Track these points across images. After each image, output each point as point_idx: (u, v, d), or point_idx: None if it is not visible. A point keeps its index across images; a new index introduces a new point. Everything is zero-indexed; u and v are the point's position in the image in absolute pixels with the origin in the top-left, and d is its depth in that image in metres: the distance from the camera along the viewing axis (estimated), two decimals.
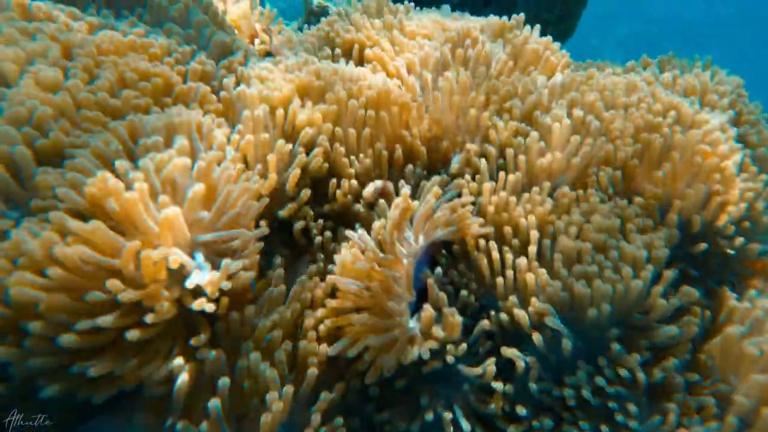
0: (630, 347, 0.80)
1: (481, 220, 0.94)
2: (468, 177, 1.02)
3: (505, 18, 1.27)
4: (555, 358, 0.84)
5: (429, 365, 0.80)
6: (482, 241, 0.92)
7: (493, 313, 0.90)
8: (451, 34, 1.18)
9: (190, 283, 0.68)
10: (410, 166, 1.00)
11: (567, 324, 0.82)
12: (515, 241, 0.90)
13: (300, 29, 2.07)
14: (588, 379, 0.79)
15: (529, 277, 0.84)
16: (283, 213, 0.91)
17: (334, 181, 0.95)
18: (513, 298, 0.86)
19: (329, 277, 0.84)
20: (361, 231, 0.85)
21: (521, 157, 0.98)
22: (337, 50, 1.27)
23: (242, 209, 0.76)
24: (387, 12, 1.33)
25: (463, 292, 0.91)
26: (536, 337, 0.81)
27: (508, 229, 0.91)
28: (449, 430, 0.79)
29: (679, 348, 0.82)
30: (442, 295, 0.84)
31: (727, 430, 0.74)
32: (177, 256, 0.66)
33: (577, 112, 0.98)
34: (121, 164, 0.66)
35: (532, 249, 0.87)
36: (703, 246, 0.89)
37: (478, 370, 0.83)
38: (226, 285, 0.72)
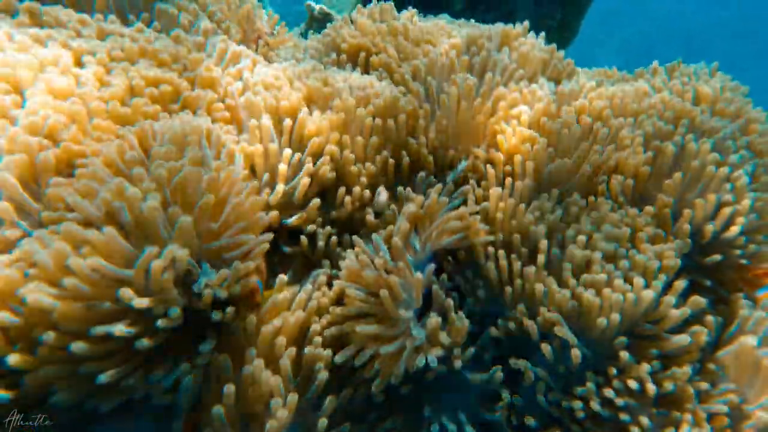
0: (639, 356, 0.80)
1: (488, 227, 0.93)
2: (473, 182, 1.01)
3: (510, 25, 1.27)
4: (563, 368, 0.83)
5: (434, 371, 0.80)
6: (491, 249, 0.92)
7: (500, 321, 0.89)
8: (457, 41, 1.19)
9: (197, 287, 0.68)
10: (421, 174, 1.00)
11: (576, 333, 0.81)
12: (524, 249, 0.90)
13: (303, 35, 2.08)
14: (597, 390, 0.78)
15: (538, 287, 0.84)
16: (291, 222, 0.91)
17: (342, 189, 0.95)
18: (521, 307, 0.86)
19: (336, 282, 0.84)
20: (375, 236, 0.84)
21: (529, 164, 0.97)
22: (343, 56, 1.27)
23: (250, 221, 0.76)
24: (391, 18, 1.33)
25: (469, 300, 0.90)
26: (545, 348, 0.81)
27: (517, 237, 0.90)
28: None
29: (689, 357, 0.81)
30: (449, 302, 0.84)
31: None
32: (185, 263, 0.66)
33: (586, 119, 0.98)
34: (138, 173, 0.66)
35: (541, 258, 0.86)
36: (717, 257, 0.88)
37: (484, 377, 0.83)
38: (235, 290, 0.72)
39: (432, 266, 0.82)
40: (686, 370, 0.78)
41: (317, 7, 2.10)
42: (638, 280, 0.78)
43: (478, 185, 1.01)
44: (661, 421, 0.78)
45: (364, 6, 1.44)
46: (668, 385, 0.77)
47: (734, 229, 0.87)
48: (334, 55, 1.29)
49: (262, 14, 1.51)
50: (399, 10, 1.42)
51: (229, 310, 0.73)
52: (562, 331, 0.79)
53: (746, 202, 0.87)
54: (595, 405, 0.77)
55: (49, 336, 0.59)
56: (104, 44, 0.90)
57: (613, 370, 0.79)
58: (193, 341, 0.72)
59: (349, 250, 0.89)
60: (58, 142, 0.72)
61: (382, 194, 0.95)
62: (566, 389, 0.82)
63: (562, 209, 0.92)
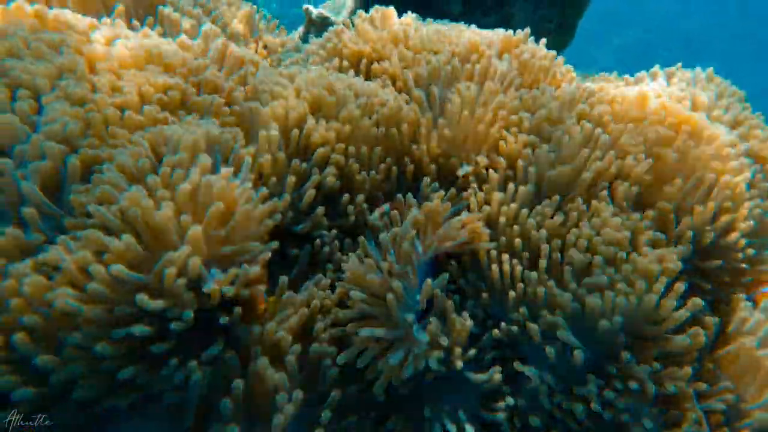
0: (639, 357, 0.81)
1: (490, 231, 0.95)
2: (475, 186, 1.03)
3: (510, 32, 1.29)
4: (565, 369, 0.85)
5: (434, 372, 0.81)
6: (493, 252, 0.93)
7: (503, 324, 0.91)
8: (459, 49, 1.20)
9: (206, 289, 0.70)
10: (426, 179, 1.02)
11: (577, 335, 0.83)
12: (525, 254, 0.91)
13: (302, 38, 2.09)
14: (598, 392, 0.80)
15: (540, 291, 0.86)
16: (299, 230, 0.94)
17: (347, 197, 0.98)
18: (524, 310, 0.87)
19: (339, 284, 0.85)
20: (383, 236, 0.86)
21: (531, 169, 0.99)
22: (345, 62, 1.28)
23: (257, 229, 0.78)
24: (392, 24, 1.34)
25: (470, 302, 0.92)
26: (549, 351, 0.82)
27: (518, 241, 0.92)
28: None
29: (688, 357, 0.83)
30: (450, 303, 0.85)
31: None
32: (196, 268, 0.67)
33: (587, 125, 0.99)
34: (154, 180, 0.68)
35: (543, 262, 0.88)
36: (718, 262, 0.90)
37: (484, 377, 0.84)
38: (243, 293, 0.73)
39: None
40: (687, 370, 0.80)
41: (315, 10, 2.11)
42: (640, 283, 0.80)
43: (480, 189, 1.02)
44: (661, 421, 0.79)
45: (366, 10, 1.46)
46: (669, 386, 0.78)
47: (733, 236, 0.88)
48: (336, 61, 1.31)
49: (262, 17, 1.52)
50: (398, 14, 1.44)
51: (237, 310, 0.75)
52: (565, 335, 0.81)
53: (744, 209, 0.89)
54: (595, 406, 0.79)
55: (75, 337, 0.61)
56: (115, 50, 0.91)
57: (613, 369, 0.81)
58: (202, 341, 0.74)
59: (351, 254, 0.90)
60: (76, 148, 0.74)
61: (381, 211, 0.98)
62: (568, 390, 0.84)
63: (563, 214, 0.94)
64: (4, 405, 0.63)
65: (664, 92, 1.09)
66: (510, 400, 0.85)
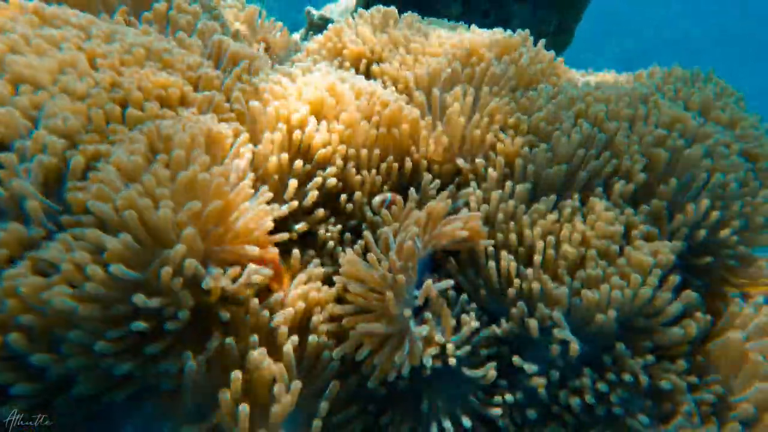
0: (633, 349, 0.83)
1: (488, 229, 0.96)
2: (474, 185, 1.04)
3: (510, 32, 1.30)
4: (562, 363, 0.86)
5: (430, 368, 0.82)
6: (491, 249, 0.95)
7: (503, 319, 0.92)
8: (459, 51, 1.21)
9: (206, 285, 0.71)
10: (427, 176, 1.03)
11: (572, 328, 0.84)
12: (521, 249, 0.93)
13: (303, 40, 2.09)
14: (592, 384, 0.81)
15: (535, 286, 0.87)
16: (298, 228, 0.96)
17: (343, 197, 0.99)
18: (521, 305, 0.88)
19: (337, 279, 0.86)
20: (386, 230, 0.87)
21: (529, 167, 1.00)
22: (347, 62, 1.29)
23: (257, 228, 0.79)
24: (393, 26, 1.35)
25: (464, 296, 0.93)
26: (554, 348, 0.83)
27: (513, 237, 0.93)
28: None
29: (680, 349, 0.84)
30: (442, 300, 0.87)
31: None
32: (192, 266, 0.68)
33: (585, 126, 1.00)
34: (150, 179, 0.69)
35: (537, 258, 0.89)
36: (708, 259, 0.91)
37: (481, 373, 0.85)
38: (246, 291, 0.74)
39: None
40: (681, 363, 0.81)
41: (317, 13, 2.11)
42: (635, 277, 0.81)
43: (479, 187, 1.03)
44: (654, 413, 0.80)
45: (366, 8, 1.46)
46: (664, 383, 0.79)
47: (724, 232, 0.89)
48: (336, 61, 1.31)
49: (265, 18, 1.53)
50: (399, 15, 1.44)
51: (237, 305, 0.76)
52: (562, 333, 0.82)
53: (735, 207, 0.90)
54: (589, 398, 0.80)
55: (73, 334, 0.62)
56: (115, 46, 0.91)
57: (608, 359, 0.82)
58: (201, 335, 0.75)
59: (348, 249, 0.91)
60: (76, 143, 0.74)
61: (383, 197, 0.99)
62: (564, 384, 0.85)
63: (558, 211, 0.95)
64: (3, 400, 0.63)
65: (658, 91, 1.10)
66: (509, 397, 0.85)
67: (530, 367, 0.84)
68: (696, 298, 0.83)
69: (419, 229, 0.85)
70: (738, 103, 1.09)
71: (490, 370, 0.85)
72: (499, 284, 0.93)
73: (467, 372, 0.86)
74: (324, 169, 0.98)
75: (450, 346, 0.83)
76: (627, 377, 0.80)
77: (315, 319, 0.83)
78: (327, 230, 0.98)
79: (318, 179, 0.96)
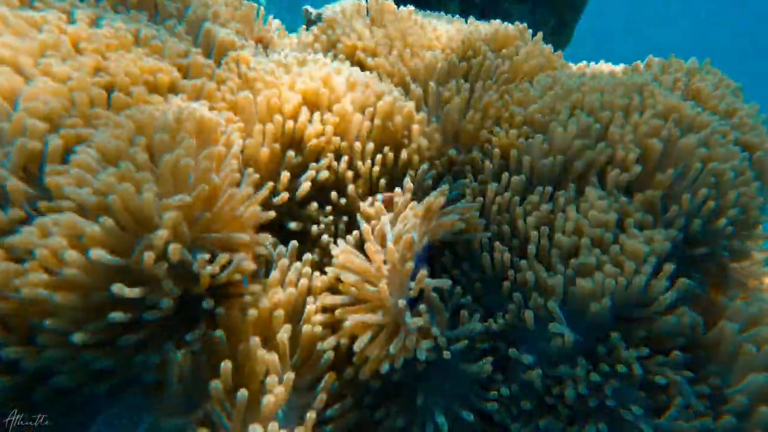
0: (628, 339, 0.82)
1: (484, 221, 0.95)
2: (471, 176, 1.03)
3: (508, 25, 1.29)
4: (556, 354, 0.85)
5: (424, 362, 0.81)
6: (486, 241, 0.94)
7: (497, 312, 0.91)
8: (456, 44, 1.20)
9: (197, 269, 0.69)
10: (423, 166, 1.02)
11: (567, 318, 0.83)
12: (515, 241, 0.92)
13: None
14: (585, 375, 0.81)
15: (529, 276, 0.86)
16: (292, 226, 0.94)
17: (334, 194, 0.97)
18: (518, 296, 0.88)
19: (329, 269, 0.85)
20: (383, 219, 0.85)
21: (525, 158, 0.99)
22: (341, 55, 1.28)
23: (244, 213, 0.77)
24: (389, 18, 1.33)
25: (458, 289, 0.92)
26: (557, 340, 0.82)
27: (506, 228, 0.92)
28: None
29: (675, 340, 0.83)
30: (436, 294, 0.85)
31: (725, 426, 0.75)
32: (179, 255, 0.66)
33: (582, 117, 0.99)
34: (130, 164, 0.67)
35: (532, 248, 0.88)
36: (703, 249, 0.90)
37: (476, 367, 0.84)
38: (236, 277, 0.72)
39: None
40: (676, 354, 0.80)
41: (315, 11, 2.09)
42: (629, 264, 0.80)
43: (475, 179, 1.02)
44: (648, 404, 0.80)
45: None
46: (659, 378, 0.79)
47: (720, 222, 0.89)
48: (331, 54, 1.30)
49: (263, 16, 1.50)
50: (398, 3, 1.42)
51: (224, 294, 0.74)
52: (556, 326, 0.81)
53: (731, 197, 0.89)
54: (582, 388, 0.79)
55: (48, 323, 0.59)
56: (100, 30, 0.89)
57: (602, 349, 0.81)
58: (186, 327, 0.73)
59: (340, 240, 0.90)
60: (58, 127, 0.72)
61: (374, 200, 0.98)
62: (558, 374, 0.84)
63: (553, 201, 0.94)
64: None
65: (654, 80, 1.09)
66: (504, 390, 0.84)
67: (528, 359, 0.83)
68: (690, 285, 0.82)
69: (418, 220, 0.84)
70: (735, 93, 1.08)
71: (486, 365, 0.84)
72: (494, 276, 0.92)
73: (463, 366, 0.85)
74: (317, 161, 0.96)
75: (444, 339, 0.82)
76: (621, 368, 0.79)
77: (308, 309, 0.82)
78: (320, 222, 0.96)
79: (311, 172, 0.94)
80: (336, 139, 0.98)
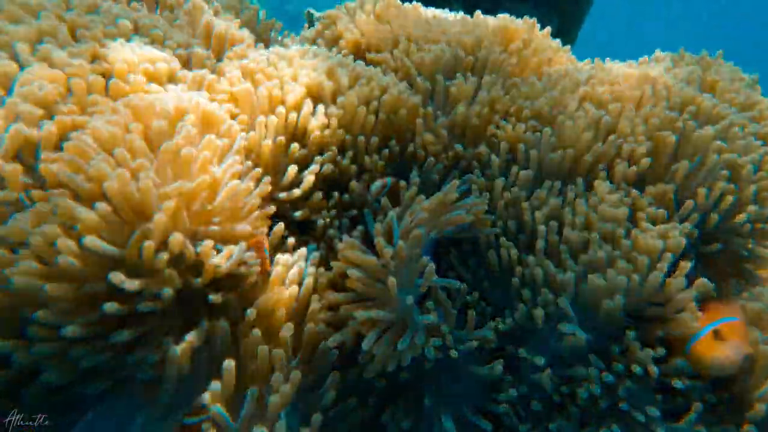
0: (642, 338, 0.79)
1: (492, 217, 0.93)
2: (477, 172, 1.01)
3: (516, 19, 1.26)
4: (568, 353, 0.82)
5: (432, 361, 0.78)
6: (493, 238, 0.91)
7: (507, 311, 0.88)
8: (462, 38, 1.17)
9: (204, 256, 0.66)
10: (430, 159, 1.00)
11: (578, 316, 0.80)
12: (523, 237, 0.89)
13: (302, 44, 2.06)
14: (598, 374, 0.78)
15: (537, 272, 0.83)
16: (298, 216, 0.92)
17: (336, 195, 0.96)
18: (527, 293, 0.85)
19: (334, 264, 0.82)
20: (390, 213, 0.83)
21: (533, 152, 0.96)
22: (344, 50, 1.26)
23: (245, 207, 0.74)
24: (394, 14, 1.30)
25: (463, 286, 0.89)
26: (569, 339, 0.79)
27: (511, 224, 0.90)
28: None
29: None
30: (443, 293, 0.83)
31: None
32: (179, 243, 0.64)
33: (592, 110, 0.97)
34: (121, 152, 0.64)
35: (540, 243, 0.85)
36: (718, 246, 0.87)
37: (485, 369, 0.82)
38: (240, 270, 0.70)
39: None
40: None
41: (317, 14, 2.08)
42: (642, 260, 0.77)
43: (482, 174, 1.00)
44: (665, 408, 0.77)
45: None
46: (676, 383, 0.76)
47: (740, 217, 0.86)
48: (334, 50, 1.28)
49: (264, 11, 1.49)
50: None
51: (227, 288, 0.71)
52: (566, 326, 0.78)
53: (749, 191, 0.86)
54: (596, 388, 0.76)
55: (39, 315, 0.57)
56: (99, 17, 0.87)
57: (615, 349, 0.79)
58: (185, 323, 0.71)
59: (345, 235, 0.88)
60: (53, 114, 0.70)
61: (383, 182, 0.95)
62: (569, 374, 0.81)
63: (562, 195, 0.92)
64: None
65: (666, 73, 1.06)
66: (513, 391, 0.82)
67: (539, 359, 0.80)
68: (712, 287, 0.79)
69: (426, 214, 0.81)
70: (752, 86, 1.05)
71: (497, 366, 0.81)
72: (501, 273, 0.90)
73: (471, 367, 0.82)
74: (321, 154, 0.94)
75: (452, 338, 0.80)
76: (637, 369, 0.76)
77: (313, 306, 0.79)
78: (324, 217, 0.94)
79: (315, 166, 0.92)
80: (340, 132, 0.96)
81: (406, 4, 1.37)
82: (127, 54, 0.83)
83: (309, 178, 0.91)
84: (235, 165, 0.75)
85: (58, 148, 0.67)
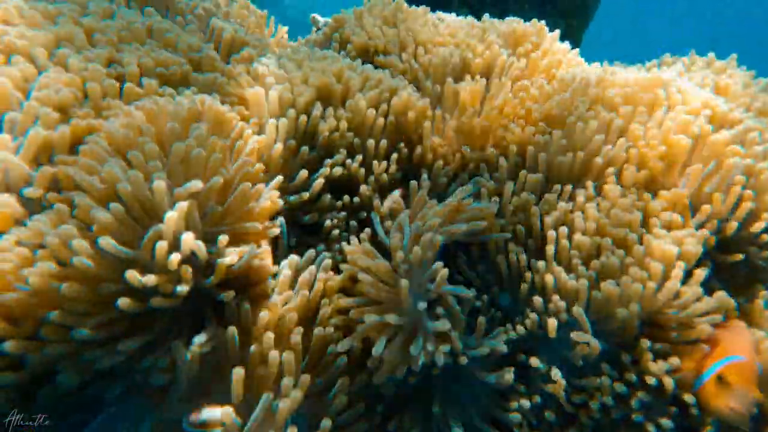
0: (654, 348, 0.77)
1: (503, 221, 0.92)
2: (487, 175, 1.00)
3: (524, 23, 1.26)
4: (579, 361, 0.81)
5: (440, 368, 0.78)
6: (502, 243, 0.90)
7: (518, 318, 0.87)
8: (470, 41, 1.17)
9: (216, 258, 0.66)
10: (439, 162, 0.99)
11: (590, 324, 0.79)
12: (530, 241, 0.88)
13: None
14: (611, 384, 0.76)
15: (548, 278, 0.82)
16: (307, 219, 0.93)
17: (346, 198, 0.96)
18: (537, 299, 0.84)
19: (344, 267, 0.82)
20: (402, 216, 0.83)
21: (542, 155, 0.96)
22: (352, 53, 1.26)
23: (255, 209, 0.74)
24: (401, 17, 1.31)
25: (473, 292, 0.88)
26: (581, 347, 0.77)
27: (520, 228, 0.89)
28: None
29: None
30: (452, 299, 0.82)
31: None
32: (191, 243, 0.64)
33: (602, 113, 0.96)
34: (134, 155, 0.65)
35: (550, 248, 0.84)
36: (739, 257, 0.85)
37: (494, 377, 0.81)
38: (252, 269, 0.70)
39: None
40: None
41: (322, 20, 2.09)
42: (656, 266, 0.75)
43: (491, 178, 0.99)
44: (680, 421, 0.75)
45: None
46: (687, 397, 0.74)
47: (758, 225, 0.84)
48: (343, 53, 1.28)
49: (273, 18, 1.50)
50: (411, 3, 1.40)
51: (235, 289, 0.71)
52: (581, 334, 0.77)
53: (767, 198, 0.85)
54: (608, 399, 0.75)
55: (54, 315, 0.57)
56: (114, 23, 0.88)
57: (628, 357, 0.77)
58: (193, 326, 0.71)
59: (353, 238, 0.87)
60: (69, 117, 0.71)
61: (392, 199, 0.95)
62: (581, 384, 0.80)
63: (572, 200, 0.91)
64: None
65: (679, 77, 1.05)
66: (524, 402, 0.80)
67: (556, 373, 0.79)
68: (733, 304, 0.77)
69: (438, 219, 0.81)
70: (766, 91, 1.03)
71: (507, 374, 0.80)
72: (510, 279, 0.89)
73: (481, 375, 0.81)
74: (330, 156, 0.94)
75: (461, 345, 0.79)
76: (652, 381, 0.74)
77: (322, 311, 0.79)
78: (332, 219, 0.94)
79: (325, 169, 0.92)
80: (349, 135, 0.96)
81: (414, 8, 1.38)
82: (142, 58, 0.83)
83: (318, 180, 0.91)
84: (246, 167, 0.75)
85: (73, 150, 0.68)
